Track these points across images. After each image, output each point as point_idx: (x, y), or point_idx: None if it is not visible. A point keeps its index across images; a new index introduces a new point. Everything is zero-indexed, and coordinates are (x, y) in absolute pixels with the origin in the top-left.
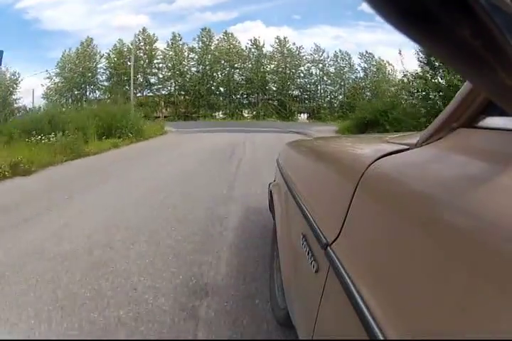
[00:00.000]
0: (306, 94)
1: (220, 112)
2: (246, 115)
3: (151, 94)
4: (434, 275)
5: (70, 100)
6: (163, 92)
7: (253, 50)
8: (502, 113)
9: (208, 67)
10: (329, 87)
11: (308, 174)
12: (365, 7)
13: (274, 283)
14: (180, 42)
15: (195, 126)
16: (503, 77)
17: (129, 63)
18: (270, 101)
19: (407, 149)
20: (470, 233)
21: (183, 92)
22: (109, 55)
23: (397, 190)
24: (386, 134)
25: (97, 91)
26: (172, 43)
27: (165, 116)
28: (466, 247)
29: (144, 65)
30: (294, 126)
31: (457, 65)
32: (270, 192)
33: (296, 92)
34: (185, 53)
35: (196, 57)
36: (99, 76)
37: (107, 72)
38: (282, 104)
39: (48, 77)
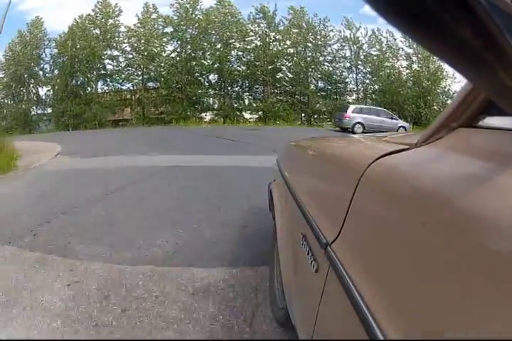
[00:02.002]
0: (335, 87)
1: (209, 113)
2: (249, 116)
3: (106, 87)
4: (434, 274)
5: (12, 100)
6: (127, 85)
7: (259, 20)
8: (502, 113)
9: (190, 46)
10: (368, 77)
11: (309, 174)
12: (367, 10)
13: (274, 283)
14: (155, 16)
15: (134, 143)
16: (503, 77)
17: (81, 43)
18: (283, 97)
19: (407, 149)
20: (470, 233)
21: (153, 85)
22: (60, 36)
23: (397, 190)
24: (386, 134)
25: (39, 86)
26: (143, 16)
27: (125, 120)
28: (466, 247)
29: (96, 48)
30: None
31: (457, 64)
32: (270, 192)
33: (320, 84)
34: (160, 28)
35: (173, 30)
36: (46, 66)
37: (59, 60)
38: (300, 101)
39: None
